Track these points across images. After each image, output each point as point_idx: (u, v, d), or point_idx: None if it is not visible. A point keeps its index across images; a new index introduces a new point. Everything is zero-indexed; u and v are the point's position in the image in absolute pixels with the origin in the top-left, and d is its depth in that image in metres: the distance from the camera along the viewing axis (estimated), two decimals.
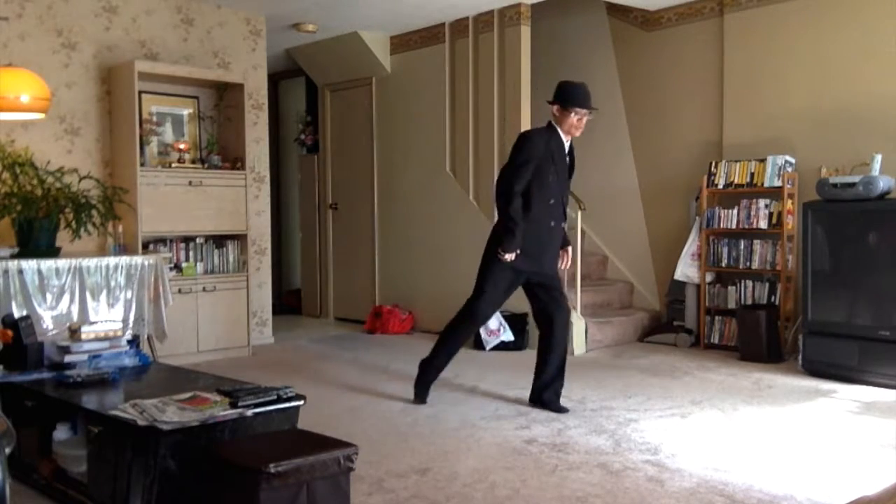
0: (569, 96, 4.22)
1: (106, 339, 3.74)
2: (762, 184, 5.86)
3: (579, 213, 6.23)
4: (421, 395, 4.56)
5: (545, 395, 4.42)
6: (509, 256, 4.24)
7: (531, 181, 4.23)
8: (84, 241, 5.01)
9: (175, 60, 6.02)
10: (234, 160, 6.02)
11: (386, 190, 7.54)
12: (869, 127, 5.48)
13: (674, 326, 6.43)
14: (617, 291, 7.00)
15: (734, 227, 5.98)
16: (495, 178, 6.52)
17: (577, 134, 4.30)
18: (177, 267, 5.72)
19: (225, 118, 6.14)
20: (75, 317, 4.68)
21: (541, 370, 4.45)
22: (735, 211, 5.98)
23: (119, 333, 3.82)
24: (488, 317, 4.65)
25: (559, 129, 4.27)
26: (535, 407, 4.42)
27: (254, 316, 6.35)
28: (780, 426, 4.02)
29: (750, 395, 4.68)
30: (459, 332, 4.54)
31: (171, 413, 2.74)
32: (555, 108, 4.26)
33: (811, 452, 3.58)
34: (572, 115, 4.21)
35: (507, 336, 6.21)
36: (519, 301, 6.37)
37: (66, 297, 4.70)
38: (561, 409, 4.34)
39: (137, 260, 5.05)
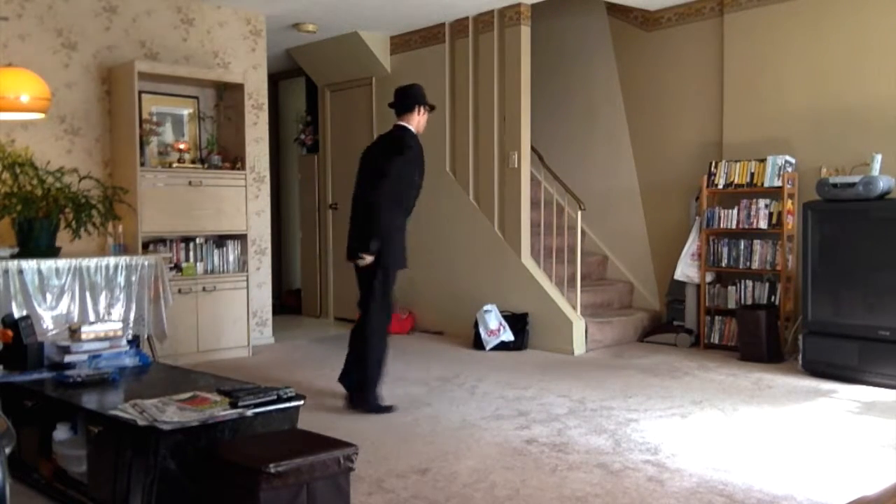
0: (422, 96, 4.55)
1: (106, 339, 3.74)
2: (762, 184, 5.85)
3: (579, 213, 6.23)
4: (382, 407, 4.38)
5: (349, 382, 4.51)
6: (370, 258, 4.35)
7: (404, 185, 4.46)
8: (84, 241, 5.01)
9: (175, 60, 6.02)
10: (234, 160, 6.02)
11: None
12: (869, 127, 5.48)
13: (674, 326, 6.43)
14: (617, 291, 7.00)
15: (734, 227, 5.98)
16: (496, 178, 6.59)
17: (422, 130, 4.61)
18: (177, 267, 5.72)
19: (225, 118, 6.13)
20: (75, 317, 4.68)
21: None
22: (735, 211, 5.98)
23: (119, 333, 3.82)
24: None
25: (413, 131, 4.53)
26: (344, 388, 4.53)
27: (254, 316, 6.35)
28: (780, 426, 4.02)
29: (750, 395, 4.68)
30: (378, 343, 4.46)
31: (171, 413, 2.74)
32: (421, 109, 4.53)
33: (811, 452, 3.58)
34: (426, 113, 4.58)
35: (507, 336, 6.21)
36: (519, 301, 6.40)
37: (66, 297, 4.70)
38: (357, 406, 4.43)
39: (137, 260, 5.05)
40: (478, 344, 6.26)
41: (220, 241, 5.98)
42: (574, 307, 6.20)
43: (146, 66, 5.57)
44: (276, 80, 9.02)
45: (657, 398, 4.62)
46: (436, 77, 7.01)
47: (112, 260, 4.93)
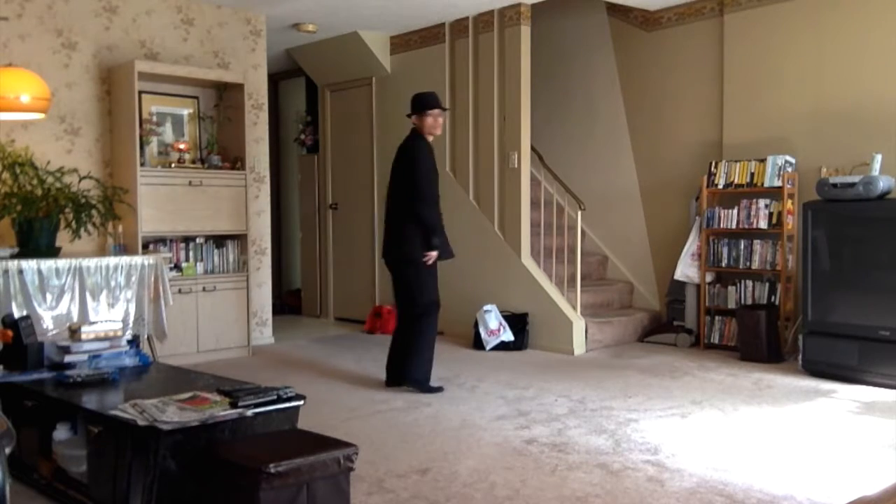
0: (424, 102, 4.84)
1: (106, 339, 3.74)
2: (762, 184, 5.85)
3: (579, 213, 6.23)
4: (433, 388, 4.83)
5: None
6: (434, 254, 4.81)
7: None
8: (84, 241, 5.01)
9: (175, 60, 6.02)
10: (234, 160, 6.02)
11: (386, 190, 7.52)
12: (869, 127, 5.48)
13: (674, 326, 6.43)
14: (617, 291, 7.00)
15: (734, 227, 5.98)
16: (496, 178, 6.59)
17: (439, 132, 4.91)
18: (177, 267, 5.72)
19: (225, 118, 6.13)
20: (75, 317, 4.68)
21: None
22: (735, 211, 5.98)
23: (119, 333, 3.82)
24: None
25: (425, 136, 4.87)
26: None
27: (254, 316, 6.35)
28: (780, 426, 4.02)
29: (750, 395, 4.68)
30: (429, 332, 4.88)
31: (171, 413, 2.74)
32: (414, 117, 4.84)
33: (811, 452, 3.58)
34: (429, 117, 4.82)
35: (507, 336, 6.21)
36: (519, 301, 6.40)
37: (66, 297, 4.70)
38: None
39: (137, 260, 5.05)
40: (478, 344, 6.26)
41: (220, 241, 5.98)
42: (574, 307, 6.20)
43: (146, 66, 5.57)
44: (276, 80, 9.02)
45: (657, 398, 4.62)
46: (436, 77, 7.00)
47: (112, 260, 4.93)
